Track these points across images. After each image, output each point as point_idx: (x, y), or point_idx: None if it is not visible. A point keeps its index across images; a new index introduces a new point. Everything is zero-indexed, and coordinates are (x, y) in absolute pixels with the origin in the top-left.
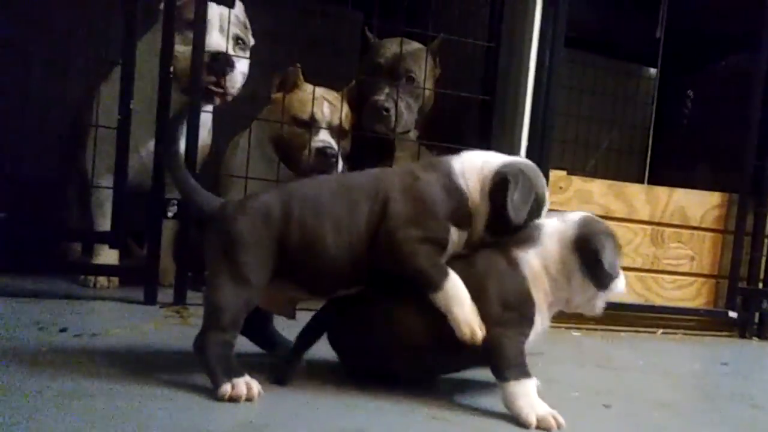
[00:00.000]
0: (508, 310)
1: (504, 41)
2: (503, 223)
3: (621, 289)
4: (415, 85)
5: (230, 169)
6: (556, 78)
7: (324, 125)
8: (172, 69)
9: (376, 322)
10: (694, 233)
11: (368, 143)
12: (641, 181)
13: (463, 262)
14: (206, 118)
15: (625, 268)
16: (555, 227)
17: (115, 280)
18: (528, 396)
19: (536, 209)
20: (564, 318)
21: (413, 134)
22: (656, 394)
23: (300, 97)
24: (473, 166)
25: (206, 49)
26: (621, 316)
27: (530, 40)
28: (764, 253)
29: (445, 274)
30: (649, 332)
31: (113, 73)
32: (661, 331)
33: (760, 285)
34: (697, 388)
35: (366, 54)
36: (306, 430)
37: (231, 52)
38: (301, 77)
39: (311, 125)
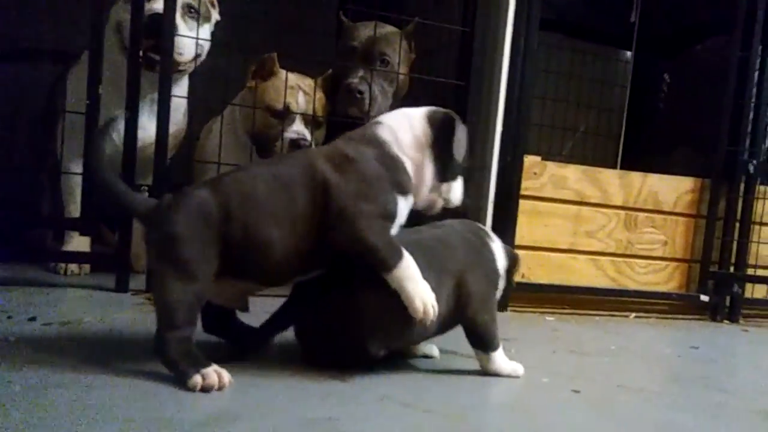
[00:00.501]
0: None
1: (478, 26)
2: (447, 168)
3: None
4: (390, 68)
5: (204, 154)
6: (531, 63)
7: (298, 114)
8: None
9: (345, 308)
10: (666, 218)
11: (342, 130)
12: (616, 165)
13: None
14: (179, 103)
15: (598, 253)
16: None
17: (87, 267)
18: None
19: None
20: (538, 303)
21: None
22: (626, 378)
23: (275, 86)
24: (401, 127)
25: (146, 13)
26: (594, 300)
27: (505, 24)
28: (735, 237)
29: (399, 254)
30: (622, 316)
31: (82, 56)
32: (633, 315)
33: (732, 269)
34: (667, 373)
35: (340, 38)
36: (278, 420)
37: (179, 19)
38: (277, 65)
39: (285, 115)
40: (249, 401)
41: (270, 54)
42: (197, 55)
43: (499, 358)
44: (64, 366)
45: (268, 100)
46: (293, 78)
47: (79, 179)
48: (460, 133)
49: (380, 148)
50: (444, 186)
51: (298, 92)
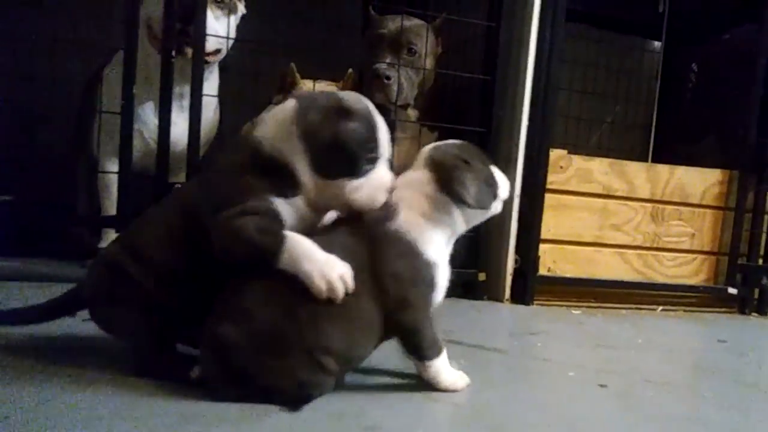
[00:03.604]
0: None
1: (504, 20)
2: (328, 161)
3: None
4: (417, 58)
5: None
6: (557, 56)
7: None
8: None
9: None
10: (694, 210)
11: None
12: (645, 156)
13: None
14: (209, 99)
15: (625, 246)
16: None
17: None
18: (448, 367)
19: None
20: (564, 297)
21: (413, 114)
22: (653, 372)
23: None
24: (273, 121)
25: None
26: (621, 293)
27: (530, 17)
28: (764, 229)
29: (280, 236)
30: (649, 309)
31: (117, 56)
32: (661, 308)
33: (760, 261)
34: (693, 367)
35: (368, 29)
36: (308, 413)
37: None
38: (297, 75)
39: None
40: None
41: (289, 67)
42: (219, 49)
43: (441, 368)
44: (103, 362)
45: None
46: (315, 86)
47: (114, 178)
48: (346, 126)
49: (253, 149)
50: (339, 184)
51: None
